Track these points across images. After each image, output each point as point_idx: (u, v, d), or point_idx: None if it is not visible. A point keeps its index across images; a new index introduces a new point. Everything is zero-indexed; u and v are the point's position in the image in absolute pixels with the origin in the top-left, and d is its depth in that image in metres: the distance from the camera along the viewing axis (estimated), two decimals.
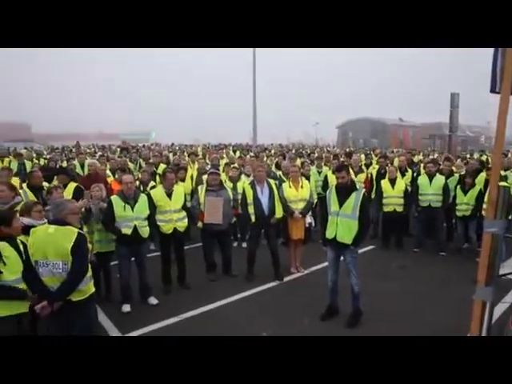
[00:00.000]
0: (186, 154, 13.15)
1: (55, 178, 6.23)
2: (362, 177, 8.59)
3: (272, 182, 6.21)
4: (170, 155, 13.50)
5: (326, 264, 6.33)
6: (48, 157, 13.46)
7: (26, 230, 3.64)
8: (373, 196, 8.14)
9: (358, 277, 4.65)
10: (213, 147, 20.17)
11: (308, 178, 7.34)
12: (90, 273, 3.49)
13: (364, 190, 4.77)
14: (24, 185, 6.10)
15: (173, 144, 22.68)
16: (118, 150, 16.90)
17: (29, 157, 11.65)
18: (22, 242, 3.54)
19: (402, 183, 7.64)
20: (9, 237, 3.48)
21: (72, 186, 5.93)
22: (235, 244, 7.56)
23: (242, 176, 7.80)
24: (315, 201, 7.18)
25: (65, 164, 10.51)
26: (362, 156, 12.53)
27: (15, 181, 6.57)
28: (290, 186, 6.28)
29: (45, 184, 5.98)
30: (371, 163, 10.44)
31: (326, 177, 8.29)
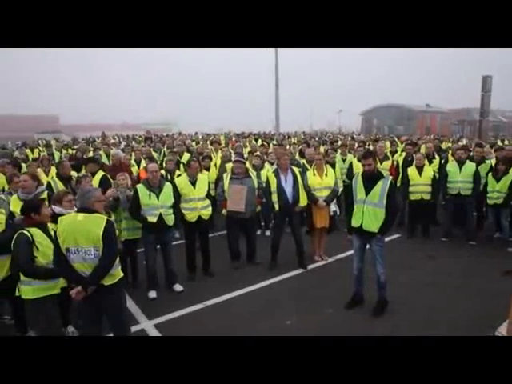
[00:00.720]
0: (208, 142, 13.18)
1: (84, 167, 6.38)
2: (387, 164, 8.37)
3: (296, 169, 6.13)
4: (193, 144, 13.55)
5: (350, 253, 6.29)
6: (75, 147, 13.78)
7: (57, 218, 3.75)
8: (398, 184, 7.94)
9: (384, 266, 4.57)
10: (235, 136, 20.16)
11: (333, 166, 7.22)
12: (117, 258, 3.58)
13: (391, 177, 4.64)
14: (54, 174, 6.29)
15: (196, 133, 22.79)
16: (142, 139, 17.14)
17: (58, 147, 11.97)
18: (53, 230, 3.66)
19: (429, 170, 7.41)
20: (40, 224, 3.61)
21: (99, 174, 6.06)
22: (259, 232, 7.56)
23: (266, 164, 7.76)
24: (340, 189, 7.07)
25: (91, 154, 10.74)
26: (387, 143, 12.25)
27: (53, 170, 6.77)
28: (314, 174, 6.19)
29: (73, 173, 6.14)
30: (396, 151, 10.18)
31: (350, 164, 8.13)
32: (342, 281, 5.44)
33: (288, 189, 5.94)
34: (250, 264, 6.32)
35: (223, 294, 5.25)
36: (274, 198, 5.97)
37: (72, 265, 3.28)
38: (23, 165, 7.84)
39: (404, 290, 5.19)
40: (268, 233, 7.77)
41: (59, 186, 5.65)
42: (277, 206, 5.99)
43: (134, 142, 15.58)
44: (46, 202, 4.09)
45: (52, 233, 3.66)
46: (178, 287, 5.41)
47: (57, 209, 3.93)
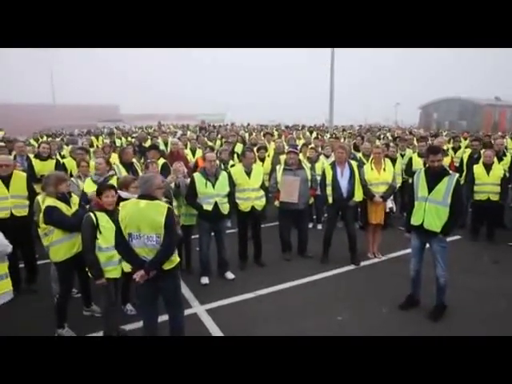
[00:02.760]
0: (262, 134, 13.21)
1: (147, 153, 6.66)
2: (447, 161, 7.87)
3: (354, 163, 5.97)
4: (246, 135, 13.66)
5: (405, 252, 6.07)
6: (134, 135, 14.45)
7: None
8: (461, 182, 7.45)
9: (445, 268, 4.33)
10: (287, 128, 20.03)
11: (394, 161, 6.93)
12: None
13: (457, 174, 4.35)
14: (116, 161, 6.63)
15: (249, 124, 22.95)
16: (197, 129, 17.58)
17: (118, 135, 12.63)
18: None
19: (499, 169, 6.86)
20: (107, 208, 3.83)
21: (161, 161, 6.31)
22: (310, 225, 7.49)
23: (321, 157, 7.64)
24: (398, 185, 6.79)
25: (149, 142, 11.17)
26: (447, 139, 11.56)
27: (114, 157, 7.18)
28: (371, 169, 5.99)
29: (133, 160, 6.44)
30: (459, 147, 9.55)
31: (410, 160, 7.77)
32: (396, 280, 5.25)
33: (343, 182, 5.80)
34: (301, 257, 6.28)
35: (274, 285, 5.27)
36: (329, 190, 5.86)
37: (133, 249, 3.42)
38: (90, 150, 8.36)
39: (465, 295, 4.90)
40: (320, 226, 7.68)
41: (122, 171, 5.94)
42: (330, 199, 5.88)
43: (188, 132, 16.00)
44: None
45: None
46: (230, 275, 5.51)
47: (123, 194, 4.14)
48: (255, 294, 5.06)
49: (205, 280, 5.36)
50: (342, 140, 11.72)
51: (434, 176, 4.26)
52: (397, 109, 55.62)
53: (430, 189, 4.25)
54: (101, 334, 4.07)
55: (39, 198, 4.50)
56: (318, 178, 6.29)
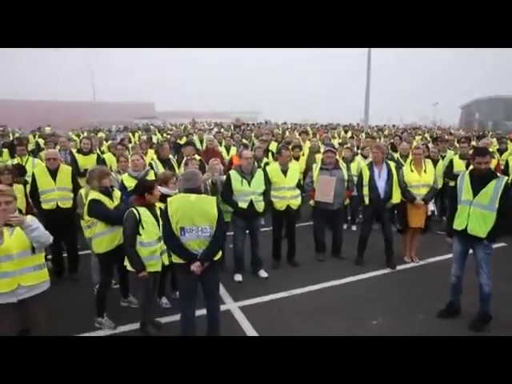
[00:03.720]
0: (296, 132, 13.13)
1: (182, 150, 6.77)
2: (493, 163, 7.51)
3: (392, 164, 5.81)
4: (280, 133, 13.60)
5: (444, 257, 5.86)
6: (170, 132, 14.73)
7: (161, 198, 4.05)
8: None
9: (489, 276, 4.13)
10: (322, 127, 19.80)
11: (436, 162, 6.69)
12: None
13: (506, 178, 4.13)
14: (154, 156, 6.79)
15: (284, 123, 22.86)
16: (231, 127, 17.71)
17: (155, 132, 12.93)
18: (160, 208, 3.96)
19: None
20: (148, 203, 3.92)
21: (197, 158, 6.39)
22: (345, 226, 7.37)
23: (358, 157, 7.49)
24: (439, 187, 6.55)
25: (184, 139, 11.36)
26: (494, 140, 11.00)
27: (150, 153, 7.36)
28: (411, 170, 5.80)
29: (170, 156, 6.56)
30: (506, 149, 9.08)
31: (450, 162, 7.46)
32: (434, 286, 5.09)
33: (381, 183, 5.66)
34: (335, 258, 6.20)
35: (307, 285, 5.23)
36: (365, 191, 5.74)
37: (183, 243, 3.50)
38: (129, 146, 8.61)
39: (510, 305, 4.65)
40: (354, 227, 7.55)
41: (159, 167, 6.08)
42: (367, 200, 5.76)
43: (222, 129, 16.16)
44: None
45: (158, 212, 3.97)
46: (263, 273, 5.51)
47: (162, 189, 4.23)
48: (288, 294, 5.03)
49: (238, 277, 5.39)
50: (378, 140, 11.42)
51: (480, 179, 4.06)
52: (435, 108, 53.77)
53: (475, 192, 4.05)
54: (137, 325, 4.19)
55: (82, 191, 4.69)
56: (354, 178, 6.17)
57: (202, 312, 3.89)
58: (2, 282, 3.15)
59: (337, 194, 5.81)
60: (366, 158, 7.52)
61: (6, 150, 8.08)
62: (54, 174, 5.18)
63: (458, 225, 4.21)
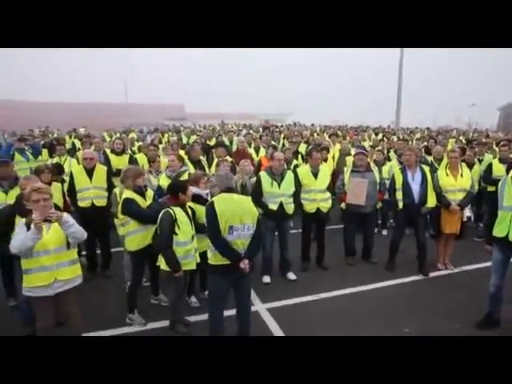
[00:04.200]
0: (325, 134, 13.00)
1: (212, 151, 6.85)
2: None
3: (426, 168, 5.63)
4: (309, 135, 13.50)
5: (481, 265, 5.64)
6: (199, 133, 14.91)
7: (192, 198, 4.10)
8: None
9: None
10: (351, 129, 19.50)
11: (472, 166, 6.45)
12: None
13: None
14: (185, 157, 6.88)
15: (313, 124, 22.68)
16: (261, 128, 17.74)
17: (187, 134, 13.13)
18: (191, 208, 4.01)
19: None
20: (182, 203, 3.98)
21: (228, 160, 6.44)
22: (375, 231, 7.21)
23: (393, 161, 7.30)
24: (475, 192, 6.30)
25: (213, 140, 11.47)
26: None
27: (181, 153, 7.48)
28: (446, 174, 5.60)
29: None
30: None
31: (489, 166, 7.16)
32: (470, 295, 4.90)
33: (415, 187, 5.50)
34: (365, 262, 6.08)
35: (336, 289, 5.15)
36: (399, 195, 5.59)
37: (229, 242, 3.46)
38: (160, 146, 8.77)
39: None
40: (385, 232, 7.38)
41: (190, 168, 6.15)
42: (400, 205, 5.60)
43: (251, 131, 16.21)
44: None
45: (189, 211, 4.02)
46: (292, 276, 5.47)
47: (194, 189, 4.28)
48: (317, 297, 4.98)
49: (267, 279, 5.38)
50: (410, 143, 11.12)
51: None
52: (471, 110, 51.76)
53: None
54: (167, 322, 4.25)
55: (116, 190, 4.82)
56: (386, 182, 6.03)
57: (229, 313, 3.89)
58: (40, 275, 3.29)
59: (369, 196, 5.70)
60: (401, 163, 7.31)
61: (45, 150, 8.44)
62: (90, 173, 5.35)
63: (498, 232, 4.02)
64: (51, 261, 3.31)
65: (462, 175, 5.58)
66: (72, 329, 3.66)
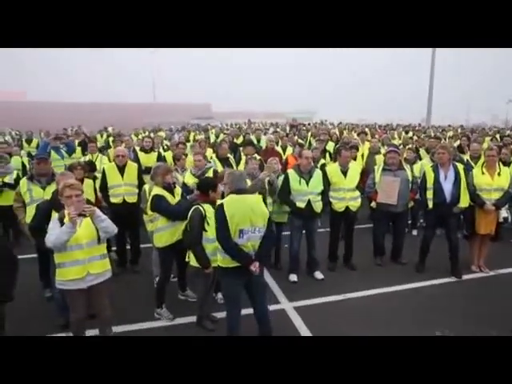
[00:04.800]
0: (354, 133, 12.80)
1: (240, 149, 6.88)
2: None
3: (460, 166, 5.44)
4: (337, 133, 13.31)
5: None
6: (226, 132, 15.01)
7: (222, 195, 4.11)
8: None
9: None
10: (380, 127, 19.11)
11: (508, 165, 6.17)
12: None
13: None
14: (213, 155, 6.95)
15: (340, 123, 22.38)
16: (287, 127, 17.66)
17: (217, 133, 13.26)
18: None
19: None
20: (212, 200, 4.01)
21: (256, 157, 6.45)
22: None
23: (426, 159, 7.09)
24: None
25: (241, 139, 11.51)
26: None
27: (209, 151, 7.58)
28: (482, 173, 5.39)
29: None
30: None
31: None
32: (505, 300, 4.71)
33: (447, 186, 5.31)
34: (395, 263, 5.94)
35: (364, 290, 5.07)
36: (430, 194, 5.42)
37: (239, 245, 3.40)
38: (188, 144, 8.89)
39: None
40: (415, 232, 7.18)
41: (218, 166, 6.20)
42: (431, 204, 5.43)
43: (278, 129, 16.17)
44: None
45: None
46: (319, 275, 5.42)
47: (221, 187, 4.30)
48: (344, 297, 4.91)
49: (293, 277, 5.35)
50: (443, 141, 10.76)
51: None
52: (509, 107, 49.51)
53: None
54: (194, 318, 4.30)
55: (146, 187, 4.91)
56: (418, 180, 5.87)
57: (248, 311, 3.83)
58: (73, 269, 3.40)
59: (401, 195, 5.55)
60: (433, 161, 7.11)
61: (79, 148, 8.74)
62: (121, 170, 5.48)
63: None
64: (84, 255, 3.41)
65: (499, 174, 5.36)
66: (103, 322, 3.77)
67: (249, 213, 3.39)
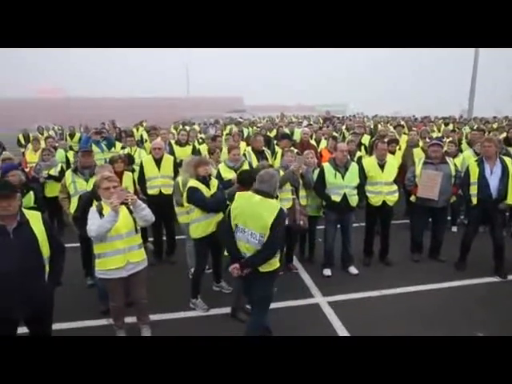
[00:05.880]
0: (390, 125, 12.41)
1: (274, 142, 6.87)
2: None
3: (508, 160, 5.15)
4: (372, 126, 12.98)
5: None
6: (259, 125, 14.99)
7: None
8: None
9: None
10: (417, 120, 18.41)
11: None
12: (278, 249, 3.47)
13: None
14: (247, 148, 6.96)
15: (376, 115, 21.77)
16: (321, 120, 17.39)
17: (245, 125, 13.29)
18: None
19: None
20: None
21: (293, 150, 6.41)
22: None
23: (469, 151, 6.77)
24: None
25: (274, 132, 11.44)
26: None
27: (242, 145, 7.60)
28: None
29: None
30: None
31: None
32: None
33: (493, 181, 5.06)
34: (433, 260, 5.74)
35: (401, 286, 4.96)
36: (473, 190, 5.18)
37: (235, 241, 3.38)
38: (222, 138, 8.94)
39: None
40: (454, 229, 6.91)
41: (253, 159, 6.20)
42: (474, 200, 5.19)
43: (312, 122, 15.94)
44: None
45: None
46: (354, 270, 5.34)
47: None
48: (380, 293, 4.81)
49: (327, 272, 5.30)
50: (486, 134, 10.22)
51: None
52: None
53: None
54: (228, 309, 4.35)
55: (179, 179, 5.00)
56: (461, 175, 5.62)
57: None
58: (115, 258, 3.53)
59: (442, 190, 5.34)
60: (477, 154, 6.76)
61: (118, 142, 9.00)
62: (158, 162, 5.61)
63: None
64: (124, 244, 3.54)
65: None
66: (140, 310, 3.90)
67: (246, 212, 3.30)
